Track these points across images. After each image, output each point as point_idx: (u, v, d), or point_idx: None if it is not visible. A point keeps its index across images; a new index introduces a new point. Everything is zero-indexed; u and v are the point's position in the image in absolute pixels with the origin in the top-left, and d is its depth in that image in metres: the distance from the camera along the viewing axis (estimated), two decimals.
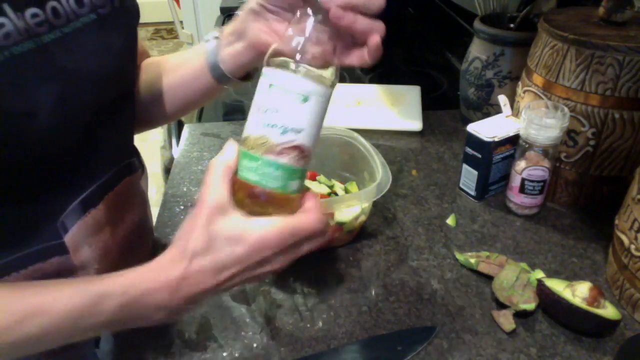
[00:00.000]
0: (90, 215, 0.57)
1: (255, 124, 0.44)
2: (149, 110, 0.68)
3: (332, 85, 0.45)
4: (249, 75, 0.62)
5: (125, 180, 0.63)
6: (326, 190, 0.74)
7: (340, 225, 0.68)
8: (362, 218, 0.70)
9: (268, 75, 0.44)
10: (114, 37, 0.55)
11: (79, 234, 0.56)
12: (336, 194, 0.74)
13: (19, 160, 0.48)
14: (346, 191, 0.76)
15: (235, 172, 0.45)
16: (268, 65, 0.44)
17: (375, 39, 0.46)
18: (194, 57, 0.64)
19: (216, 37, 0.61)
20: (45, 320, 0.44)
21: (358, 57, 0.48)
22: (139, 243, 0.69)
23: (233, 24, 0.59)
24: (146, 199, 0.73)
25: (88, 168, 0.57)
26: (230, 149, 0.46)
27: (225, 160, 0.45)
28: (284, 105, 0.43)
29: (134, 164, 0.65)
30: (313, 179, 0.76)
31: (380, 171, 0.68)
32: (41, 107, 0.47)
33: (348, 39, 0.48)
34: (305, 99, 0.43)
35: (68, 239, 0.55)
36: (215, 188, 0.44)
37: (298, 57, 0.43)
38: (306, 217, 0.45)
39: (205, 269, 0.43)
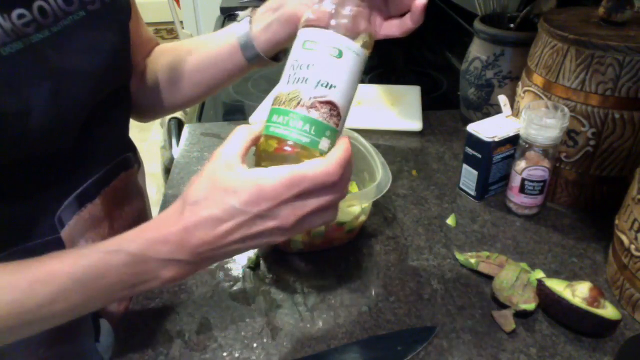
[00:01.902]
0: (87, 209, 0.57)
1: (286, 82, 0.43)
2: (169, 94, 0.68)
3: (367, 47, 0.44)
4: (278, 56, 0.61)
5: (121, 175, 0.63)
6: None
7: (340, 225, 0.68)
8: (362, 218, 0.70)
9: (302, 35, 0.44)
10: (105, 34, 0.55)
11: (76, 228, 0.56)
12: None
13: (14, 158, 0.48)
14: None
15: (262, 134, 0.44)
16: (303, 27, 0.44)
17: (422, 1, 0.46)
18: (223, 37, 0.63)
19: (249, 16, 0.60)
20: (53, 287, 0.43)
21: (398, 27, 0.48)
22: None
23: (267, 3, 0.59)
24: (144, 193, 0.73)
25: (84, 163, 0.57)
26: (259, 123, 0.45)
27: (250, 126, 0.44)
28: (318, 59, 0.42)
29: (129, 159, 0.65)
30: None
31: (380, 171, 0.68)
32: (34, 107, 0.46)
33: (384, 11, 0.48)
34: (340, 54, 0.42)
35: (65, 233, 0.55)
36: (229, 145, 0.43)
37: (333, 22, 0.43)
38: (313, 166, 0.40)
39: (203, 219, 0.42)
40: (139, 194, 0.71)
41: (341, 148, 0.42)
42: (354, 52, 0.43)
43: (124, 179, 0.64)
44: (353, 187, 0.77)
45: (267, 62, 0.61)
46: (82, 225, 0.57)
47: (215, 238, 0.42)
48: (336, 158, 0.41)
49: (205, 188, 0.42)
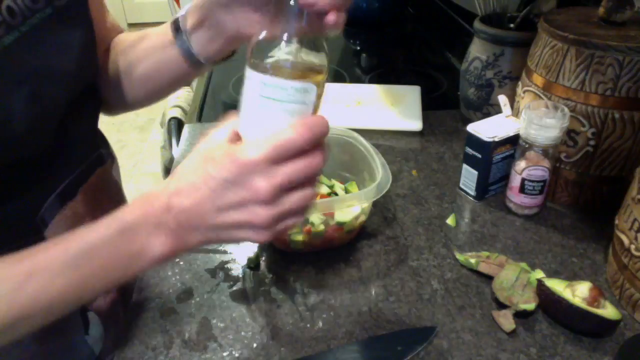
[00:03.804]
0: (69, 207, 0.58)
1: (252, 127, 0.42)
2: (130, 94, 0.67)
3: (324, 73, 0.43)
4: (230, 55, 0.61)
5: (97, 171, 0.63)
6: (326, 190, 0.74)
7: (340, 225, 0.68)
8: (362, 218, 0.70)
9: (259, 82, 0.41)
10: (74, 29, 0.54)
11: (59, 227, 0.56)
12: (336, 194, 0.74)
13: None
14: (346, 191, 0.76)
15: None
16: (254, 67, 0.41)
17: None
18: (167, 49, 0.60)
19: (183, 30, 0.58)
20: (50, 272, 0.43)
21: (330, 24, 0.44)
22: None
23: (193, 14, 0.56)
24: (120, 187, 0.74)
25: (62, 162, 0.57)
26: None
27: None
28: (278, 114, 0.41)
29: (102, 155, 0.66)
30: None
31: (380, 171, 0.68)
32: (15, 113, 0.46)
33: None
34: (303, 102, 0.41)
35: (49, 233, 0.55)
36: (221, 128, 0.43)
37: (288, 66, 0.41)
38: (286, 132, 0.40)
39: (183, 186, 0.42)
40: (117, 188, 0.71)
41: (310, 118, 0.42)
42: (314, 92, 0.41)
43: (100, 175, 0.64)
44: (353, 187, 0.77)
45: (216, 64, 0.61)
46: (65, 224, 0.57)
47: (192, 205, 0.42)
48: (302, 124, 0.40)
49: (191, 161, 0.43)
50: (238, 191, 0.41)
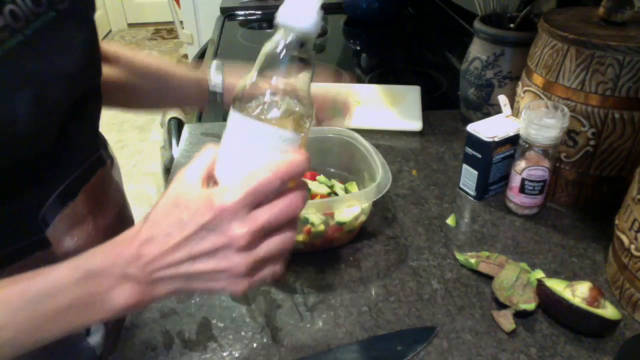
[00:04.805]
0: (70, 207, 0.58)
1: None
2: (133, 102, 0.74)
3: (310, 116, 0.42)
4: None
5: (98, 172, 0.64)
6: (326, 190, 0.74)
7: (341, 225, 0.68)
8: (362, 218, 0.70)
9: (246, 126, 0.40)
10: (76, 32, 0.54)
11: (60, 227, 0.57)
12: (336, 194, 0.74)
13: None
14: (346, 191, 0.76)
15: None
16: (239, 109, 0.40)
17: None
18: (193, 85, 0.71)
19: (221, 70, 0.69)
20: (6, 310, 0.41)
21: None
22: (122, 232, 0.70)
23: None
24: (121, 188, 0.74)
25: (63, 163, 0.57)
26: None
27: (216, 148, 0.43)
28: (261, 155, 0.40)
29: (102, 156, 0.66)
30: (313, 178, 0.76)
31: (381, 171, 0.68)
32: (19, 115, 0.46)
33: None
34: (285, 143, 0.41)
35: (49, 233, 0.55)
36: (193, 166, 0.41)
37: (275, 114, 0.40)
38: (262, 172, 0.38)
39: (156, 234, 0.40)
40: (117, 189, 0.72)
41: (289, 157, 0.40)
42: (297, 142, 0.41)
43: (101, 175, 0.64)
44: (353, 187, 0.77)
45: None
46: (66, 224, 0.57)
47: (164, 253, 0.40)
48: (280, 163, 0.39)
49: (163, 206, 0.41)
50: (213, 238, 0.39)
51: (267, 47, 0.40)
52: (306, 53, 0.40)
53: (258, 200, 0.38)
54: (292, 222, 0.41)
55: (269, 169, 0.38)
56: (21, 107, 0.46)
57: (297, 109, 0.41)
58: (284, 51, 0.40)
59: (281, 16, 0.39)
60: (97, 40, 0.60)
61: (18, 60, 0.47)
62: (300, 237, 0.67)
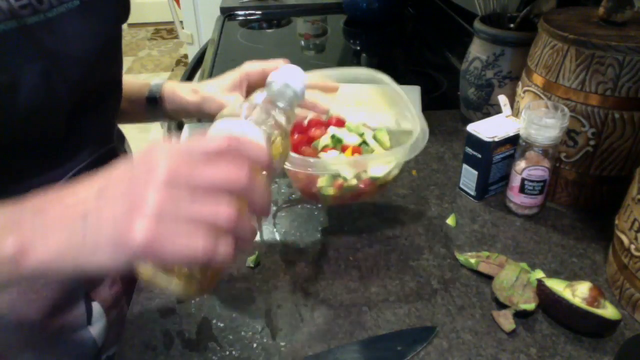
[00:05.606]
0: None
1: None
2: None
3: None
4: None
5: (108, 165, 0.64)
6: (357, 140, 0.71)
7: (374, 180, 0.66)
8: (395, 172, 0.68)
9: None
10: (98, 24, 0.56)
11: None
12: (366, 144, 0.72)
13: (3, 139, 0.49)
14: (375, 138, 0.74)
15: None
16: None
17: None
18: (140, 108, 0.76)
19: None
20: None
21: None
22: None
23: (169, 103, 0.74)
24: None
25: (71, 150, 0.58)
26: None
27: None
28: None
29: (114, 149, 0.67)
30: (340, 124, 0.74)
31: (418, 124, 0.65)
32: (24, 82, 0.48)
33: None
34: None
35: None
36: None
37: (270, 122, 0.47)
38: (215, 138, 0.37)
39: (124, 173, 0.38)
40: None
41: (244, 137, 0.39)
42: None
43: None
44: (382, 134, 0.73)
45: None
46: None
47: (134, 186, 0.36)
48: (232, 137, 0.37)
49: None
50: (136, 168, 0.36)
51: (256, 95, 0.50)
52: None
53: (199, 149, 0.36)
54: (226, 193, 0.35)
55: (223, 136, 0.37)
56: (28, 76, 0.48)
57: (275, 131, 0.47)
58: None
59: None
60: (119, 38, 0.63)
61: (33, 36, 0.49)
62: (332, 191, 0.66)
